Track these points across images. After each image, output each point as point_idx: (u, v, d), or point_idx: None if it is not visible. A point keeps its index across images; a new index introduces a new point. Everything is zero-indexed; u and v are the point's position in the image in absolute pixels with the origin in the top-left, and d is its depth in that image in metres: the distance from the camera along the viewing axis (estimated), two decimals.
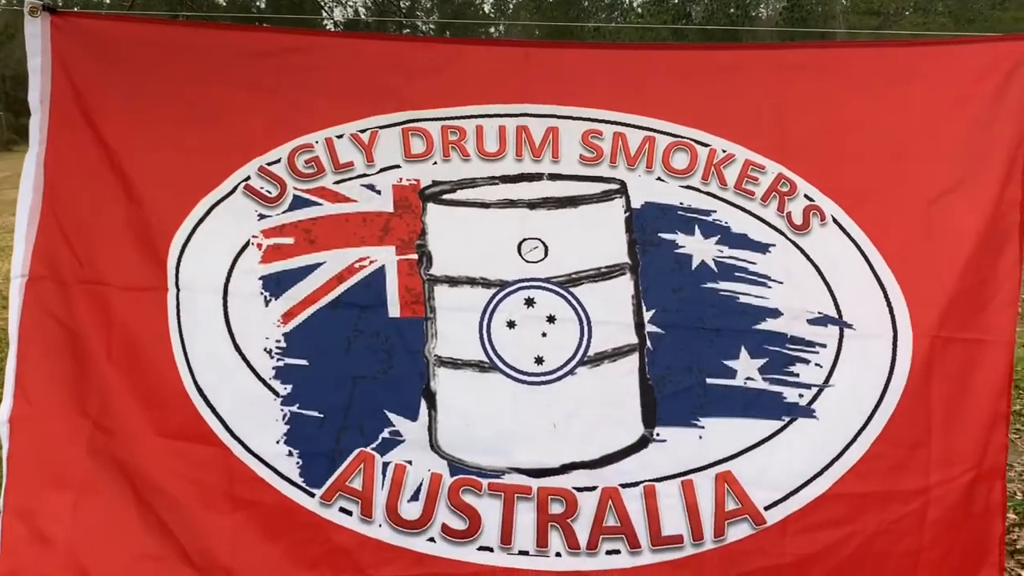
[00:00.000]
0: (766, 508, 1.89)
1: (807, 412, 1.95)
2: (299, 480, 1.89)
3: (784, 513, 1.89)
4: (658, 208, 2.04)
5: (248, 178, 2.01)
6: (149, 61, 2.04)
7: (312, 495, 1.89)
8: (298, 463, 1.90)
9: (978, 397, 1.94)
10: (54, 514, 1.89)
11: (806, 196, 2.02)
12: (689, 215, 2.04)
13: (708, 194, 2.04)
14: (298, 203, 2.01)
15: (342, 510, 1.89)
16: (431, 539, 1.89)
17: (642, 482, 1.91)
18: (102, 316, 1.97)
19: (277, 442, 1.91)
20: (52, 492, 1.90)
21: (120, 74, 2.03)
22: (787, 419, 1.95)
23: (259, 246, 2.00)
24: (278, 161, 2.02)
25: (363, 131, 2.04)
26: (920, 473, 1.90)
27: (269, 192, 2.01)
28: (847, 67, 2.04)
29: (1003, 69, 1.96)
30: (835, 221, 2.02)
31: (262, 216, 2.01)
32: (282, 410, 1.92)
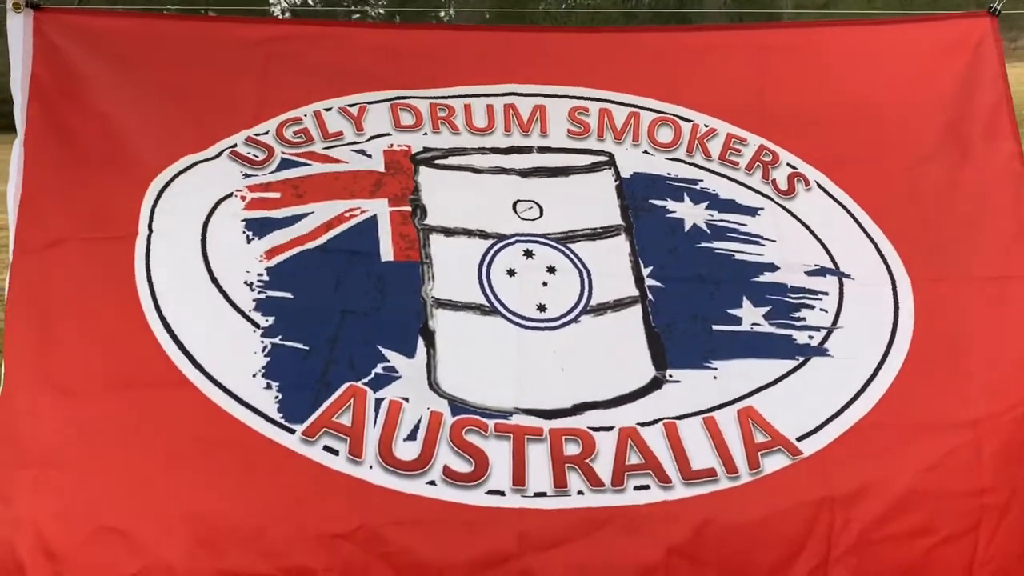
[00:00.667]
0: (799, 439, 1.78)
1: (820, 351, 1.93)
2: (277, 416, 1.66)
3: (820, 444, 1.78)
4: (647, 177, 2.14)
5: (235, 145, 1.99)
6: (133, 50, 2.07)
7: (292, 431, 1.65)
8: (276, 397, 1.68)
9: (1015, 331, 1.94)
10: (21, 493, 1.60)
11: (789, 165, 2.15)
12: (677, 184, 2.14)
13: (693, 165, 2.16)
14: (286, 164, 1.99)
15: (327, 448, 1.64)
16: (431, 482, 1.65)
17: (661, 420, 1.78)
18: (65, 271, 1.81)
19: (253, 375, 1.70)
20: (19, 470, 1.62)
21: (103, 62, 2.04)
22: (801, 359, 1.93)
23: (243, 198, 1.95)
24: (266, 132, 2.02)
25: (352, 105, 2.08)
26: (963, 403, 1.85)
27: (256, 156, 1.99)
28: (822, 46, 2.26)
29: (969, 44, 2.16)
30: (819, 186, 2.12)
31: (247, 175, 1.96)
32: (262, 342, 1.74)
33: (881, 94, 2.18)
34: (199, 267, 1.80)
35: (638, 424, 1.77)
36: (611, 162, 2.12)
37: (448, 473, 1.66)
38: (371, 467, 1.64)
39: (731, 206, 2.10)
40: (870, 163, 2.13)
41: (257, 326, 1.75)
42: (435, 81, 2.12)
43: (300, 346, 1.74)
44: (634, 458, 1.72)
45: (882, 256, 2.06)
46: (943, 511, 1.74)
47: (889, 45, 2.23)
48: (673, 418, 1.79)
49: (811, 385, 1.86)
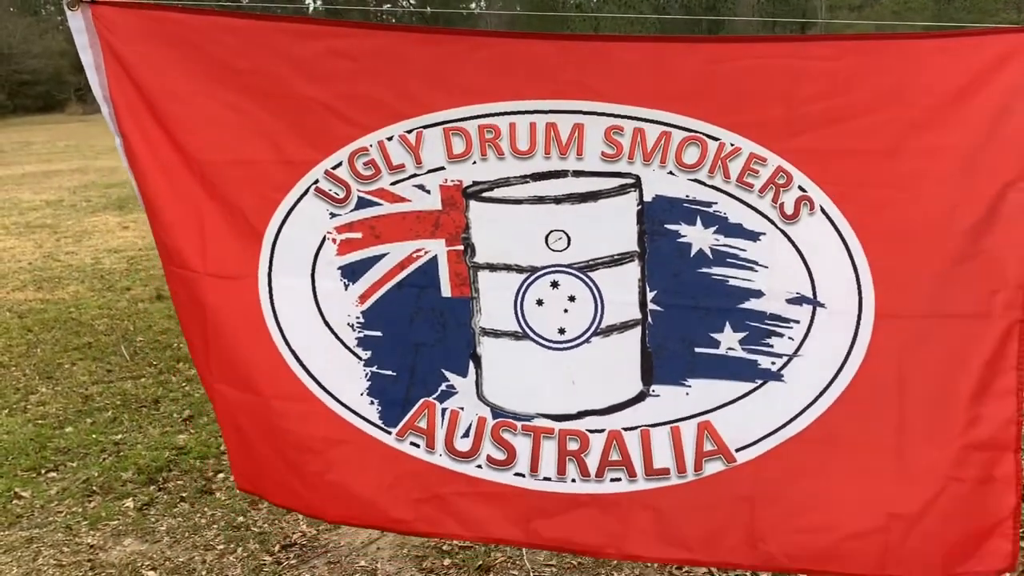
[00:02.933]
0: (737, 450, 2.58)
1: (776, 376, 2.57)
2: (379, 422, 2.74)
3: (752, 455, 2.57)
4: (667, 200, 2.50)
5: (317, 181, 2.53)
6: (200, 54, 2.34)
7: (389, 433, 2.74)
8: (378, 410, 2.74)
9: (971, 369, 2.30)
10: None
11: (800, 187, 2.41)
12: (693, 207, 2.48)
13: (712, 187, 2.45)
14: (362, 203, 2.56)
15: (412, 443, 2.74)
16: (479, 465, 2.72)
17: (639, 427, 2.64)
18: (195, 298, 2.58)
19: (361, 394, 2.74)
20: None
21: (174, 68, 2.34)
22: (760, 382, 2.58)
23: (334, 241, 2.58)
24: (340, 164, 2.52)
25: (409, 132, 2.49)
26: (886, 432, 2.39)
27: (337, 194, 2.54)
28: (860, 60, 2.32)
29: (1014, 62, 2.19)
30: (823, 210, 2.38)
31: (333, 215, 2.56)
32: (364, 370, 2.74)
33: (907, 112, 2.30)
34: (314, 313, 2.69)
35: (623, 429, 2.65)
36: (637, 184, 2.52)
37: (490, 460, 2.71)
38: (440, 455, 2.72)
39: (737, 230, 2.47)
40: (878, 187, 2.33)
41: (359, 358, 2.73)
42: (483, 95, 2.46)
43: (390, 373, 2.73)
44: (615, 455, 2.65)
45: (859, 287, 2.37)
46: (847, 514, 2.48)
47: (926, 61, 2.30)
48: (648, 426, 2.64)
49: (761, 406, 2.56)
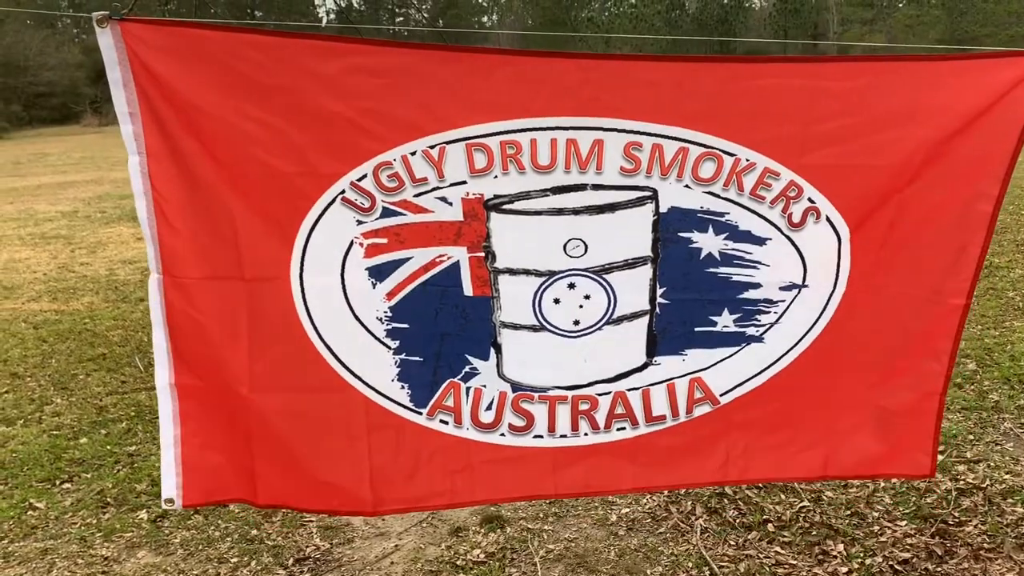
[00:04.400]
0: (721, 395, 3.08)
1: (759, 340, 3.07)
2: (410, 404, 3.09)
3: (732, 397, 3.08)
4: (681, 211, 2.79)
5: (343, 191, 2.69)
6: (226, 70, 2.45)
7: (420, 413, 3.09)
8: (408, 393, 3.09)
9: (915, 336, 2.96)
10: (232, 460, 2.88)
11: (809, 199, 2.75)
12: (707, 216, 2.79)
13: (725, 199, 2.76)
14: (387, 213, 2.75)
15: (441, 421, 3.10)
16: (502, 434, 3.10)
17: (641, 387, 3.09)
18: (234, 305, 2.71)
19: (392, 380, 3.08)
20: (226, 444, 2.83)
21: (201, 83, 2.45)
22: (744, 344, 3.08)
23: (361, 245, 2.77)
24: (365, 176, 2.69)
25: (432, 147, 2.65)
26: (837, 374, 3.02)
27: (363, 204, 2.72)
28: (873, 81, 2.60)
29: (1010, 85, 2.56)
30: (828, 219, 2.78)
31: (360, 222, 2.74)
32: (394, 358, 3.07)
33: (917, 132, 2.66)
34: (345, 309, 2.83)
35: (627, 390, 3.09)
36: (653, 197, 2.79)
37: (511, 427, 3.09)
38: (467, 429, 3.08)
39: (746, 236, 2.84)
40: (882, 196, 2.73)
41: (389, 348, 3.04)
42: (505, 112, 2.63)
43: (417, 359, 3.06)
44: (620, 410, 3.09)
45: (838, 272, 2.88)
46: (802, 434, 3.06)
47: (936, 83, 2.64)
48: (648, 385, 3.09)
49: (742, 362, 3.05)
